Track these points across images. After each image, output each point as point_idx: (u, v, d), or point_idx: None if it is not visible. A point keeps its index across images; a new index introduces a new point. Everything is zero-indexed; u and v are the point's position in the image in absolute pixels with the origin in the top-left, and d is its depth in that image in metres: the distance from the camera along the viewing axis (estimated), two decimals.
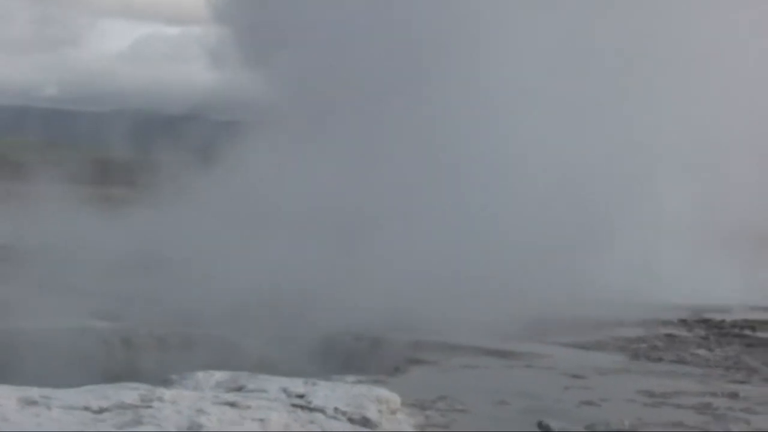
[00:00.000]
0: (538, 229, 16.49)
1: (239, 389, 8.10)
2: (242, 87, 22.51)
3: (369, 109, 18.88)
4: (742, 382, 10.45)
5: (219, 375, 8.56)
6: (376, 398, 7.82)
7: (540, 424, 8.08)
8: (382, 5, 20.10)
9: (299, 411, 7.45)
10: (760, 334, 14.22)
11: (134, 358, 12.04)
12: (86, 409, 7.01)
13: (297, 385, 8.05)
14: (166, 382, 8.38)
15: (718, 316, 15.71)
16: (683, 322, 15.01)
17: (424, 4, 19.83)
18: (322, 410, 7.50)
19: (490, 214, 16.71)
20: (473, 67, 18.74)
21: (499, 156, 17.89)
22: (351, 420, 7.42)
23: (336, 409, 7.52)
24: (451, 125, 18.28)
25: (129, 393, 7.39)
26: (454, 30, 19.20)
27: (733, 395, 9.66)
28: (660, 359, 11.78)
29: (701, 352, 12.41)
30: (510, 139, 18.05)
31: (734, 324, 15.04)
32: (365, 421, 7.42)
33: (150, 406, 7.13)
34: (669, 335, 13.62)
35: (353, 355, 12.11)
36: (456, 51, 18.96)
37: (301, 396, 7.78)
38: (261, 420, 7.11)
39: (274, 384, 8.10)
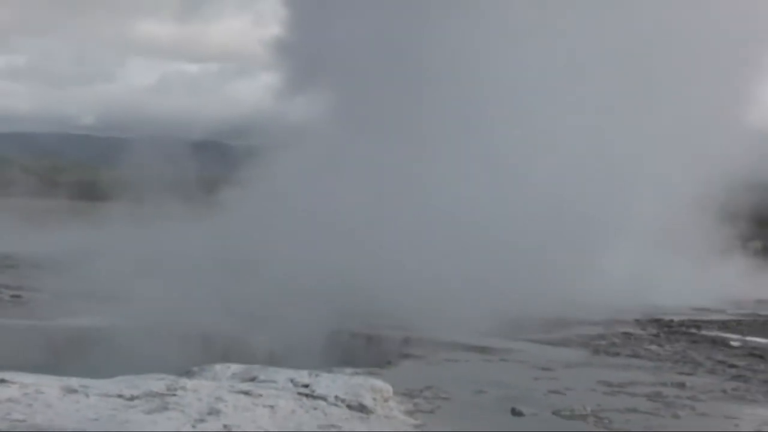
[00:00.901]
0: (526, 232, 16.15)
1: (252, 380, 8.09)
2: (266, 113, 22.25)
3: (394, 126, 18.29)
4: (688, 374, 10.47)
5: (234, 367, 8.55)
6: (371, 388, 7.82)
7: (513, 410, 8.10)
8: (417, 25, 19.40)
9: (304, 399, 7.46)
10: (704, 332, 14.24)
11: (161, 351, 12.00)
12: (119, 396, 7.02)
13: (302, 376, 8.04)
14: (188, 373, 8.37)
15: (667, 317, 15.72)
16: (638, 322, 15.01)
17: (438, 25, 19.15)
18: (324, 398, 7.50)
19: (485, 218, 16.33)
20: (475, 79, 18.26)
21: (495, 162, 17.48)
22: (349, 406, 7.42)
23: (336, 397, 7.52)
24: (453, 137, 17.78)
25: (156, 383, 7.39)
26: (459, 50, 18.63)
27: (681, 385, 9.68)
28: (617, 354, 11.78)
29: (653, 347, 12.42)
30: (507, 146, 17.63)
31: (682, 323, 15.06)
32: (362, 408, 7.43)
33: (174, 394, 7.14)
34: (625, 333, 13.61)
35: (351, 350, 12.10)
36: (459, 68, 18.46)
37: (306, 386, 7.77)
38: (271, 406, 7.12)
39: (282, 375, 8.09)
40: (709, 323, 15.38)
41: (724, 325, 15.25)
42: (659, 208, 18.84)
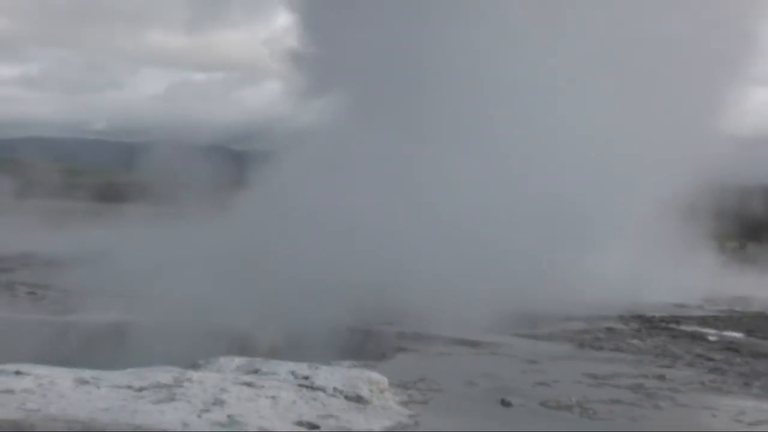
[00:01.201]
0: (524, 232, 15.94)
1: (255, 372, 8.10)
2: (272, 119, 22.10)
3: (396, 127, 17.97)
4: (668, 367, 10.47)
5: (238, 360, 8.55)
6: (367, 380, 7.83)
7: (502, 401, 8.12)
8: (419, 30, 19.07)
9: (304, 390, 7.47)
10: (683, 327, 14.24)
11: (168, 345, 11.99)
12: (129, 387, 7.02)
13: (302, 368, 8.05)
14: (195, 366, 8.37)
15: (649, 313, 15.72)
16: (621, 318, 14.98)
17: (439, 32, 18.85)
18: (323, 389, 7.51)
19: (484, 218, 16.14)
20: (475, 79, 17.95)
21: (495, 162, 17.28)
22: (347, 397, 7.43)
23: (335, 389, 7.53)
24: (451, 143, 17.54)
25: (164, 374, 7.40)
26: (460, 55, 18.32)
27: (661, 377, 9.70)
28: (601, 348, 11.78)
29: (635, 342, 12.42)
30: (507, 146, 17.41)
31: (662, 319, 15.06)
32: (359, 398, 7.44)
33: (181, 386, 7.15)
34: (609, 328, 13.61)
35: (349, 345, 12.09)
36: (459, 68, 18.18)
37: (306, 377, 7.78)
38: (273, 397, 7.13)
39: (283, 368, 8.10)
40: (688, 319, 15.38)
41: (703, 321, 15.26)
42: (651, 209, 18.70)
